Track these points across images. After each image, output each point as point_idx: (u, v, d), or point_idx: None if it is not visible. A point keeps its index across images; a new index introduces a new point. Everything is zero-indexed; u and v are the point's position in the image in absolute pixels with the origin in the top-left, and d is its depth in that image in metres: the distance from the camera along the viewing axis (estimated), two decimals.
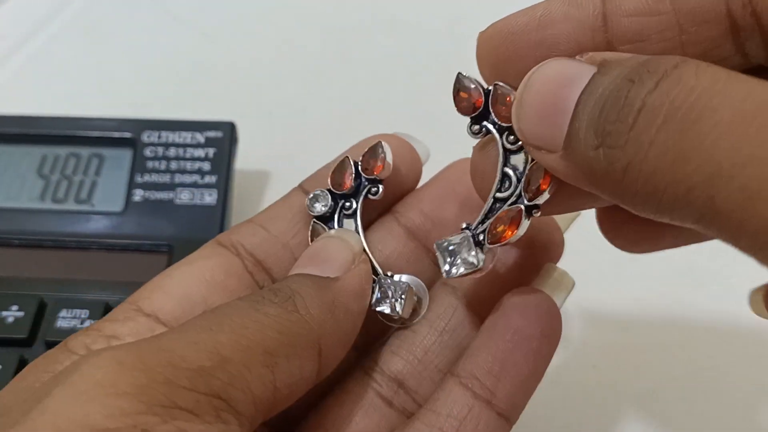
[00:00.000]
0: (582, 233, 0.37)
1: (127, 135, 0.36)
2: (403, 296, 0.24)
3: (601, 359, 0.33)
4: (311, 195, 0.25)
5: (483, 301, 0.24)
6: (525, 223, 0.21)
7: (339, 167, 0.26)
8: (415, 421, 0.23)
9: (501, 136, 0.22)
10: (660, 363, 0.33)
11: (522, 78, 0.20)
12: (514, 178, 0.22)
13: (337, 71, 0.44)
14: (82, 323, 0.31)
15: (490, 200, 0.22)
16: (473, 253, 0.22)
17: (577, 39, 0.21)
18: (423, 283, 0.25)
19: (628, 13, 0.20)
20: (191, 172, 0.35)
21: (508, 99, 0.22)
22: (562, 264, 0.36)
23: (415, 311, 0.24)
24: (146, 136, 0.36)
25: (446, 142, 0.41)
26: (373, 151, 0.25)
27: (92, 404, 0.17)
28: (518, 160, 0.22)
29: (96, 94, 0.43)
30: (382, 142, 0.25)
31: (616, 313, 0.34)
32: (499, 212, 0.22)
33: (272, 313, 0.20)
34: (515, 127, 0.20)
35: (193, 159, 0.35)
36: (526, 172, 0.21)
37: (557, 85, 0.19)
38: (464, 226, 0.23)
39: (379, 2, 0.47)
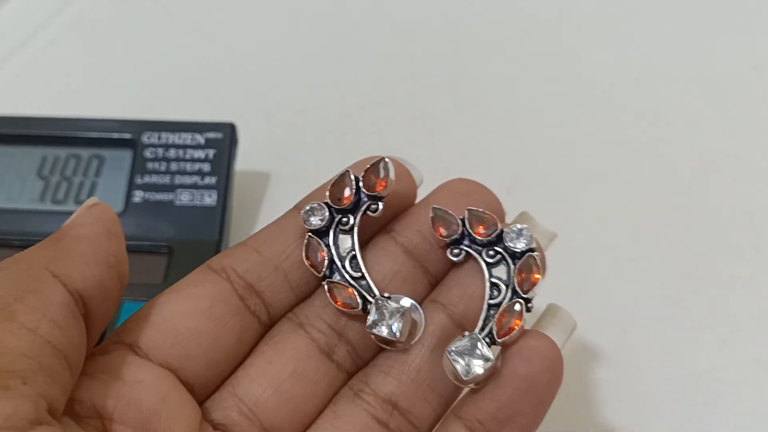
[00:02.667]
0: (582, 234, 0.37)
1: (127, 136, 0.36)
2: (400, 320, 0.24)
3: (601, 360, 0.33)
4: (308, 207, 0.25)
5: (470, 318, 0.24)
6: (525, 314, 0.24)
7: (338, 181, 0.25)
8: None
9: (480, 255, 0.25)
10: (660, 364, 0.33)
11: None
12: (503, 286, 0.24)
13: (337, 72, 0.44)
14: None
15: (485, 307, 0.24)
16: (486, 349, 0.23)
17: None
18: (418, 304, 0.25)
19: None
20: (191, 174, 0.35)
21: (483, 219, 0.25)
22: (562, 266, 0.36)
23: (411, 333, 0.24)
24: (146, 137, 0.36)
25: (446, 143, 0.41)
26: (375, 167, 0.25)
27: None
28: (500, 271, 0.25)
29: (96, 95, 0.43)
30: (386, 160, 0.25)
31: (616, 315, 0.34)
32: (501, 310, 0.24)
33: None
34: None
35: (193, 160, 0.35)
36: (515, 276, 0.24)
37: None
38: (466, 333, 0.24)
39: (379, 2, 0.47)
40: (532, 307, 0.24)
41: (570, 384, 0.32)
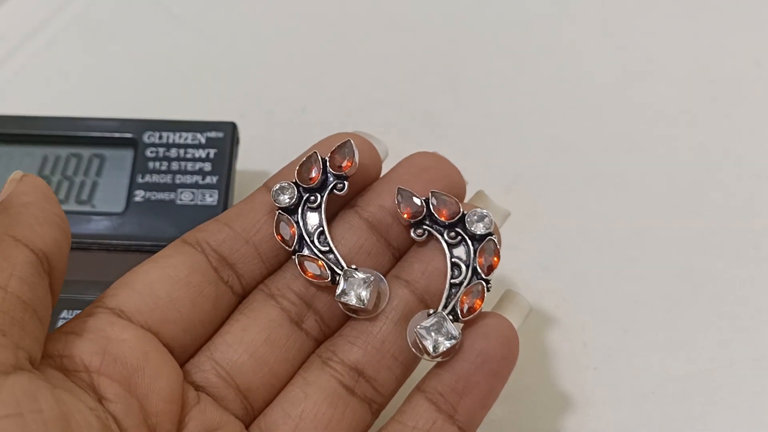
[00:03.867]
0: (582, 234, 0.37)
1: (128, 135, 0.36)
2: (368, 289, 0.25)
3: (601, 360, 0.33)
4: (277, 186, 0.26)
5: (432, 293, 0.26)
6: (485, 295, 0.26)
7: (306, 162, 0.27)
8: (382, 430, 0.25)
9: (442, 235, 0.26)
10: (660, 364, 0.33)
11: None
12: (463, 266, 0.26)
13: (338, 71, 0.44)
14: None
15: (447, 286, 0.26)
16: (452, 327, 0.25)
17: None
18: (383, 276, 0.26)
19: None
20: (192, 173, 0.35)
21: (446, 203, 0.26)
22: (562, 266, 0.36)
23: (377, 303, 0.26)
24: (147, 137, 0.36)
25: (446, 142, 0.41)
26: (341, 148, 0.27)
27: None
28: (460, 251, 0.26)
29: (97, 95, 0.43)
30: (352, 141, 0.26)
31: (616, 315, 0.34)
32: (464, 291, 0.26)
33: None
34: None
35: (194, 159, 0.35)
36: (477, 258, 0.26)
37: None
38: (430, 311, 0.25)
39: (379, 2, 0.47)
40: (491, 288, 0.26)
41: (570, 384, 0.32)
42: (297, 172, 0.27)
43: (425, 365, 0.26)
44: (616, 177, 0.39)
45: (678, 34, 0.45)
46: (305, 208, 0.27)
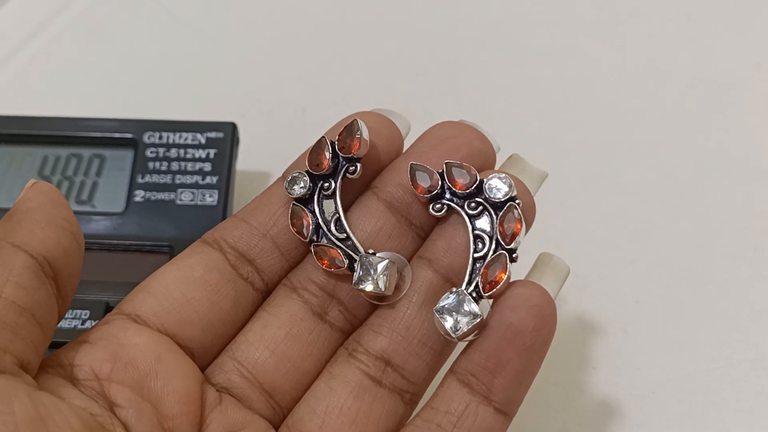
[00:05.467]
0: (582, 235, 0.37)
1: (129, 136, 0.36)
2: (385, 273, 0.24)
3: (601, 360, 0.33)
4: (289, 178, 0.25)
5: (456, 271, 0.25)
6: (510, 266, 0.23)
7: (315, 148, 0.26)
8: (415, 417, 0.24)
9: (462, 208, 0.24)
10: (660, 364, 0.33)
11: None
12: (486, 238, 0.24)
13: (338, 71, 0.44)
14: (83, 324, 0.31)
15: (470, 261, 0.24)
16: (473, 305, 0.23)
17: None
18: (404, 258, 0.25)
19: None
20: (192, 173, 0.35)
21: (461, 171, 0.24)
22: None
23: (398, 287, 0.24)
24: (147, 137, 0.36)
25: None
26: (348, 129, 0.25)
27: None
28: (483, 222, 0.24)
29: (97, 95, 0.43)
30: (358, 120, 0.25)
31: (616, 315, 0.34)
32: (485, 264, 0.24)
33: None
34: None
35: (194, 160, 0.35)
36: (497, 227, 0.24)
37: None
38: (453, 289, 0.23)
39: (379, 2, 0.47)
40: (517, 257, 0.24)
41: (570, 384, 0.32)
42: (308, 160, 0.25)
43: (463, 347, 0.25)
44: (616, 177, 0.39)
45: (678, 36, 0.45)
46: (321, 196, 0.25)
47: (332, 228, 0.25)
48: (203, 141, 0.36)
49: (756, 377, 0.32)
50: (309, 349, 0.25)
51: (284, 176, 0.26)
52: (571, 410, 0.32)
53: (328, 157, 0.25)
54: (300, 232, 0.25)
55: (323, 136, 0.26)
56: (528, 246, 0.25)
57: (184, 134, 0.36)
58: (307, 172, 0.25)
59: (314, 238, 0.25)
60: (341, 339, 0.25)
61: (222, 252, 0.25)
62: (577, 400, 0.32)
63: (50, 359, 0.23)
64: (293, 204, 0.25)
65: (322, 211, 0.25)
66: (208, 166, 0.35)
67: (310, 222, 0.25)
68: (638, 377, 0.32)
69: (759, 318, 0.34)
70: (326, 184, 0.25)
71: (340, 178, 0.25)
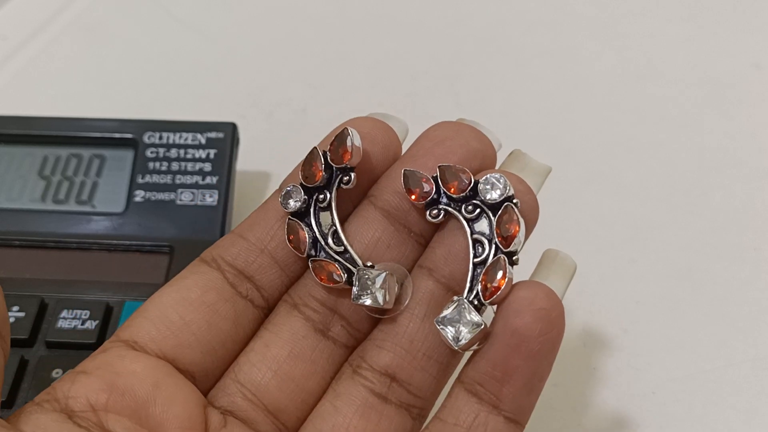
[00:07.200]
0: (582, 235, 0.37)
1: (129, 136, 0.36)
2: (383, 286, 0.23)
3: (601, 361, 0.33)
4: (284, 192, 0.25)
5: (458, 278, 0.24)
6: (510, 270, 0.22)
7: (307, 159, 0.25)
8: (424, 430, 0.23)
9: (459, 212, 0.23)
10: (660, 364, 0.33)
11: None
12: (486, 242, 0.23)
13: (338, 71, 0.44)
14: (82, 324, 0.31)
15: (471, 267, 0.23)
16: (474, 314, 0.22)
17: None
18: (404, 269, 0.24)
19: None
20: (192, 173, 0.35)
21: (455, 174, 0.23)
22: None
23: (399, 299, 0.24)
24: (147, 137, 0.36)
25: None
26: (339, 138, 0.24)
27: None
28: (482, 225, 0.23)
29: (97, 95, 0.43)
30: (348, 128, 0.24)
31: (616, 315, 0.34)
32: (484, 270, 0.23)
33: None
34: None
35: (195, 160, 0.35)
36: (495, 229, 0.23)
37: None
38: (454, 298, 0.23)
39: (379, 2, 0.47)
40: (517, 260, 0.23)
41: (569, 384, 0.32)
42: (301, 172, 0.25)
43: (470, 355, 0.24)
44: (616, 177, 0.39)
45: (678, 36, 0.45)
46: (317, 208, 0.24)
47: (329, 241, 0.24)
48: (203, 141, 0.36)
49: (756, 377, 0.32)
50: (313, 368, 0.24)
51: (280, 189, 0.25)
52: (571, 410, 0.32)
53: (320, 168, 0.24)
54: (297, 248, 0.24)
55: (315, 147, 0.25)
56: (528, 246, 0.25)
57: (184, 134, 0.36)
58: (301, 184, 0.25)
59: (312, 252, 0.24)
60: (345, 354, 0.24)
61: (220, 270, 0.24)
62: (577, 400, 0.32)
63: (46, 393, 0.22)
64: (289, 218, 0.24)
65: (318, 224, 0.24)
66: (208, 167, 0.35)
67: (307, 236, 0.24)
68: (638, 377, 0.32)
69: (759, 318, 0.34)
70: (321, 196, 0.24)
71: (334, 189, 0.24)
